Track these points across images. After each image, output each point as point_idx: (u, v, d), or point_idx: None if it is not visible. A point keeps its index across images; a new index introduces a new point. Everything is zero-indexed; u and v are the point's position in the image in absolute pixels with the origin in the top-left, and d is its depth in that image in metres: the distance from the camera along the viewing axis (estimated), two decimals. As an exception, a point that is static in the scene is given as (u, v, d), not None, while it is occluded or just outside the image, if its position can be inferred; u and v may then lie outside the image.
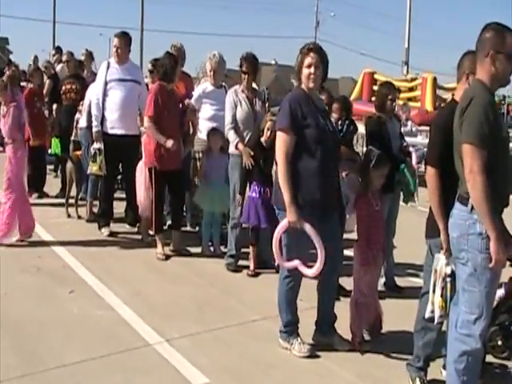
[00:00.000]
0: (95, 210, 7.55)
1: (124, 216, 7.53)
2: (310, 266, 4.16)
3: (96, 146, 6.93)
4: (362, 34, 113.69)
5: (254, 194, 5.88)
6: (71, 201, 7.84)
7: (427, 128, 12.54)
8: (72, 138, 8.41)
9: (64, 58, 9.11)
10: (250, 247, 6.05)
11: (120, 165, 7.20)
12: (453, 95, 3.80)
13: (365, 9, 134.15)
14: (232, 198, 6.06)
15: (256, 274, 5.98)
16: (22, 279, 5.51)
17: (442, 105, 27.44)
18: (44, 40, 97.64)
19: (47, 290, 5.27)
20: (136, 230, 7.17)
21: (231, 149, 5.98)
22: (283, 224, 4.10)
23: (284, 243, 4.23)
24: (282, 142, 4.10)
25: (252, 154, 5.73)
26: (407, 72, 36.15)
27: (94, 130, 6.95)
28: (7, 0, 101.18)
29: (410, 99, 24.14)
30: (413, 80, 23.66)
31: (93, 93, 7.75)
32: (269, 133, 5.73)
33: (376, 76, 32.10)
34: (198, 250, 6.58)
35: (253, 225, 5.91)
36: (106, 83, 6.90)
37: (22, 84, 12.74)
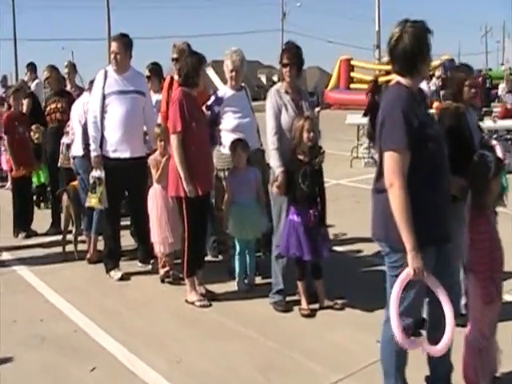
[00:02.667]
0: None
1: (133, 246, 6.40)
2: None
3: (95, 174, 5.70)
4: (329, 21, 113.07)
5: (294, 218, 4.74)
6: (68, 237, 6.60)
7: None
8: (60, 164, 7.17)
9: (45, 74, 7.82)
10: (298, 282, 4.93)
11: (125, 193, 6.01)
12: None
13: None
14: (276, 222, 4.93)
15: (312, 313, 4.86)
16: (24, 356, 4.28)
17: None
18: (4, 59, 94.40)
19: (60, 370, 4.05)
20: (150, 267, 5.99)
21: (271, 164, 4.84)
22: (405, 275, 3.01)
23: (403, 302, 3.12)
24: (396, 164, 2.95)
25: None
26: (379, 55, 35.46)
27: (93, 154, 5.69)
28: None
29: (388, 82, 23.27)
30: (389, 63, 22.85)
31: (77, 111, 6.56)
32: (311, 135, 4.63)
33: (352, 62, 31.12)
34: (229, 285, 5.46)
35: (294, 256, 4.80)
36: (103, 97, 5.66)
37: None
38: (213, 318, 4.84)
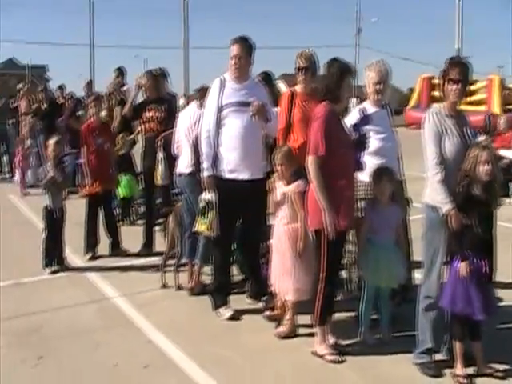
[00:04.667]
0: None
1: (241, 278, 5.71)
2: None
3: (207, 196, 5.01)
4: (405, 38, 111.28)
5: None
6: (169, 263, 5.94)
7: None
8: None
9: (143, 80, 7.21)
10: (457, 343, 4.07)
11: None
12: None
13: (408, 13, 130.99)
14: (428, 268, 4.11)
15: (470, 381, 4.00)
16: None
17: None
18: (80, 64, 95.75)
19: None
20: (261, 305, 5.24)
21: (430, 200, 4.03)
22: None
23: None
24: None
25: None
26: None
27: (205, 174, 5.00)
28: (43, 27, 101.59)
29: (471, 103, 22.26)
30: (473, 83, 21.79)
31: (184, 123, 5.87)
32: (488, 168, 3.81)
33: (434, 81, 30.03)
34: (355, 333, 4.65)
35: (462, 313, 3.96)
36: (219, 109, 4.99)
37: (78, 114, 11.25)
38: (352, 381, 4.04)
